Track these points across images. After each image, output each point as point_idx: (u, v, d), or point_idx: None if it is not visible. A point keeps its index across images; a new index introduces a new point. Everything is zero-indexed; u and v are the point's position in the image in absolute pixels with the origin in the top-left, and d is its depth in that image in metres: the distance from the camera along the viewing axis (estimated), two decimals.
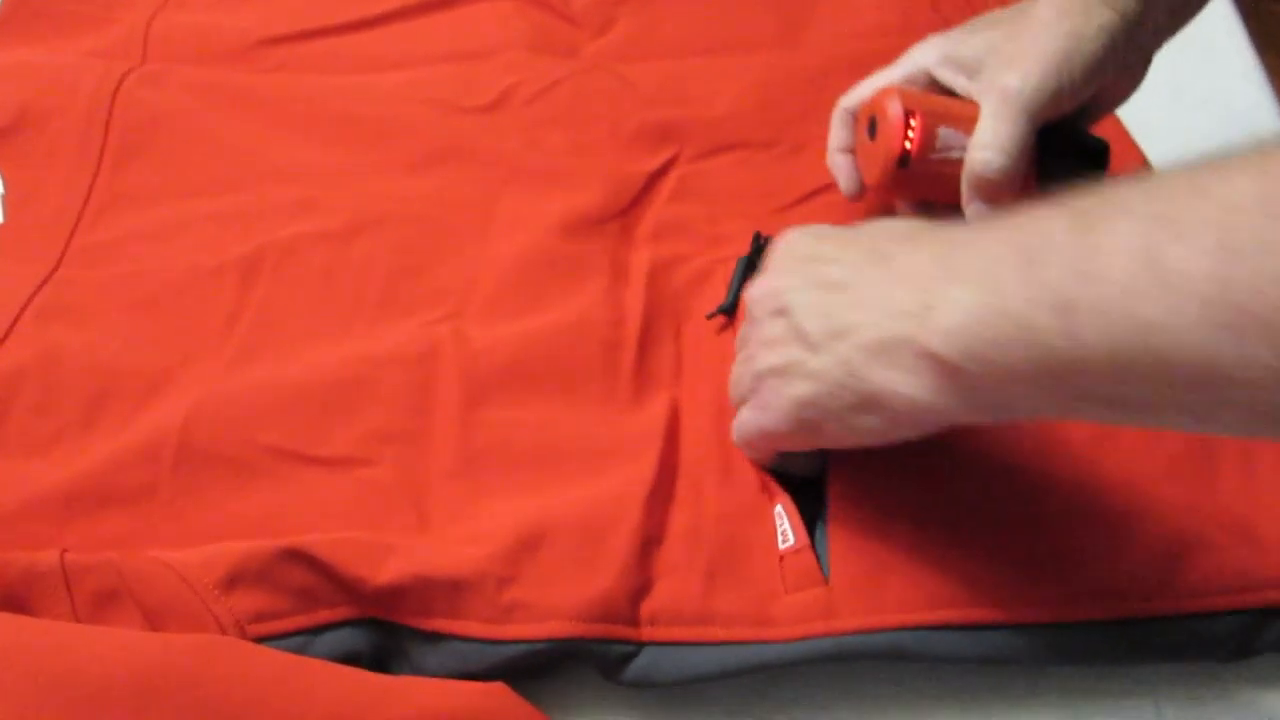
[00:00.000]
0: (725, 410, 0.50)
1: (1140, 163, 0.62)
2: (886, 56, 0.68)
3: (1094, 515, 0.46)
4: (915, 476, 0.47)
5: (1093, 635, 0.44)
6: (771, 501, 0.47)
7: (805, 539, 0.46)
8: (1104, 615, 0.44)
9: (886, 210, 0.59)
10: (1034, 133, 0.50)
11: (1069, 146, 0.53)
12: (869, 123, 0.53)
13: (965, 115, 0.51)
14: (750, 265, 0.56)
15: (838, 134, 0.58)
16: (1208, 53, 0.74)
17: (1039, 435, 0.49)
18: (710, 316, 0.55)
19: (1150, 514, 0.46)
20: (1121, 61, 0.51)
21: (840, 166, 0.58)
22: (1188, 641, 0.44)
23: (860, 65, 0.68)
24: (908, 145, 0.51)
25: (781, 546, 0.46)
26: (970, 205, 0.51)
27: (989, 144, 0.49)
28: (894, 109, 0.51)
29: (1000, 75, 0.50)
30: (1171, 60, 0.54)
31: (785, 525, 0.46)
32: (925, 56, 0.55)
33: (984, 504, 0.47)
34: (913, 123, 0.51)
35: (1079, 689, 0.46)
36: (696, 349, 0.55)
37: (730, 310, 0.55)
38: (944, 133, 0.51)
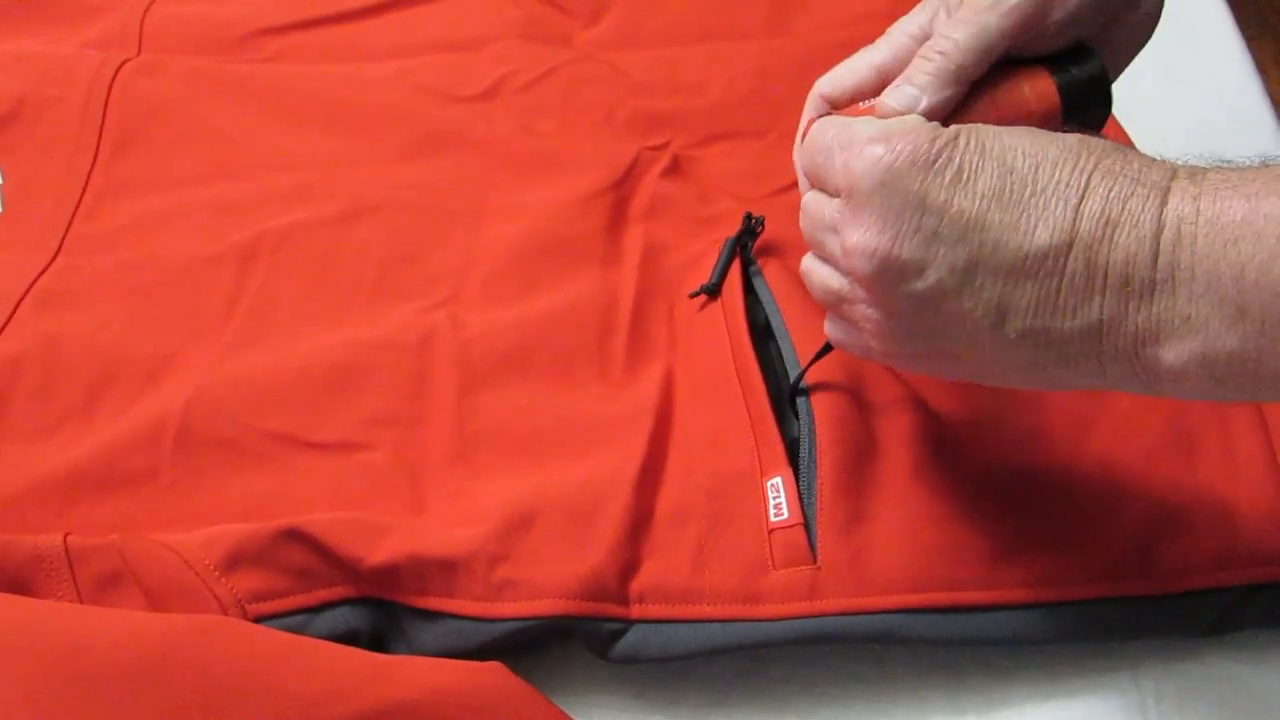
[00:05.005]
0: (715, 382, 0.51)
1: (1126, 144, 0.62)
2: None
3: (1076, 497, 0.46)
4: (902, 461, 0.48)
5: (1075, 615, 0.44)
6: (768, 473, 0.47)
7: (799, 516, 0.45)
8: (1086, 595, 0.44)
9: None
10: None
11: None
12: None
13: None
14: (737, 246, 0.56)
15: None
16: (1194, 34, 0.74)
17: (1021, 421, 0.49)
18: (693, 295, 0.55)
19: (1131, 495, 0.46)
20: None
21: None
22: (1169, 620, 0.45)
23: (849, 52, 0.68)
24: None
25: (774, 520, 0.46)
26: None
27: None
28: None
29: None
30: (1157, 41, 0.54)
31: (781, 498, 0.46)
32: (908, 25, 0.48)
33: (967, 487, 0.47)
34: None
35: (1061, 662, 0.47)
36: (689, 326, 0.55)
37: (713, 290, 0.55)
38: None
